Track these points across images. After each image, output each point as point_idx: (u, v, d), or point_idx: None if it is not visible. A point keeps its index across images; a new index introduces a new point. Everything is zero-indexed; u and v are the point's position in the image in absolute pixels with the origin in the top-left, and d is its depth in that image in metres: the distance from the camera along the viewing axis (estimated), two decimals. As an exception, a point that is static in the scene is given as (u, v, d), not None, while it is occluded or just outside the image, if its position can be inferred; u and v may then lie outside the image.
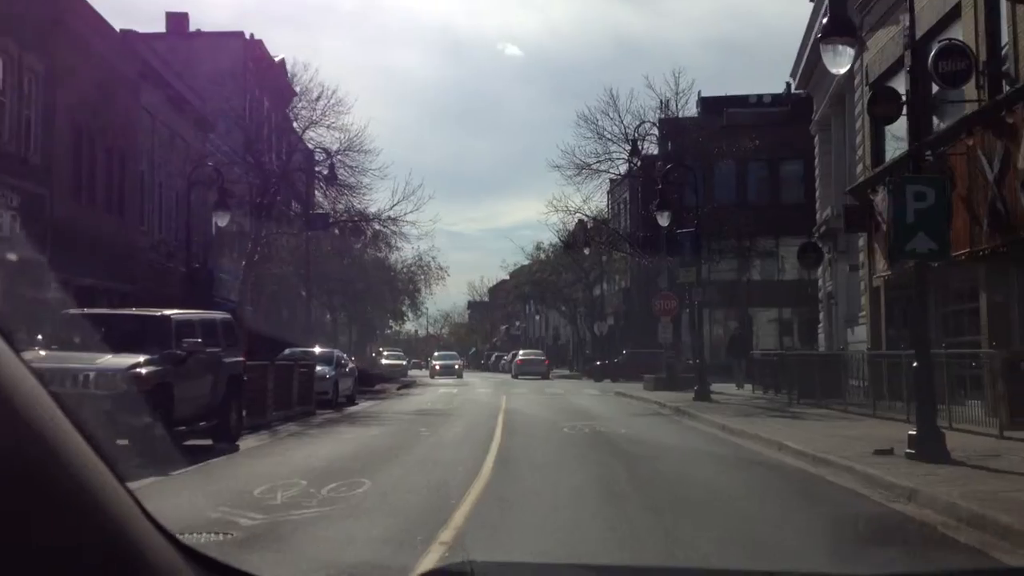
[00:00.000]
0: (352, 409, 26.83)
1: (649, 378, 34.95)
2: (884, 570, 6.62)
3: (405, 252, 53.03)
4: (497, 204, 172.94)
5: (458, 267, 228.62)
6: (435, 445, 15.59)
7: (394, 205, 35.87)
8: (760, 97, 61.48)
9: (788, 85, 63.59)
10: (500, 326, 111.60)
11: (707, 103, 47.49)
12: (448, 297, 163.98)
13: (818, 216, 35.67)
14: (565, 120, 66.53)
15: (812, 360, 25.29)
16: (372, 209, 37.69)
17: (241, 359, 16.72)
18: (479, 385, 45.72)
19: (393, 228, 38.52)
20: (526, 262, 74.18)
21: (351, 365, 30.33)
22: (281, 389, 22.25)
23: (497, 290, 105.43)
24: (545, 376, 55.18)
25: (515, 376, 56.11)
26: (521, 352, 63.67)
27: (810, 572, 6.11)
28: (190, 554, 1.49)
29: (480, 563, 2.05)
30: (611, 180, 47.78)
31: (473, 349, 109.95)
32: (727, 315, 51.64)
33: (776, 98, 60.17)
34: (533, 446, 15.32)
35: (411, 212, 36.41)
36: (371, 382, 37.59)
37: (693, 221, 27.53)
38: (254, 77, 44.38)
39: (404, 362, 65.34)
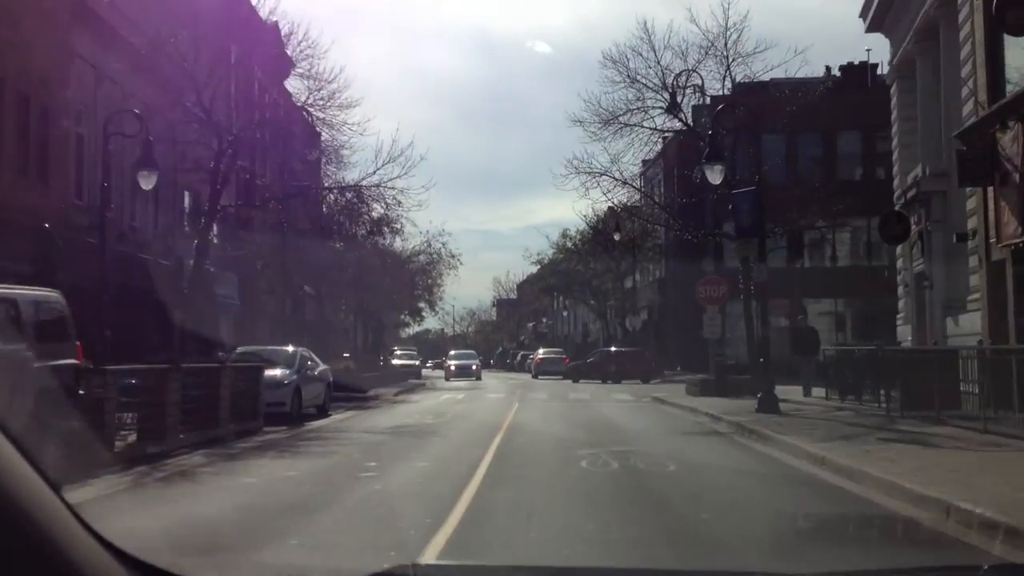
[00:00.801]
0: (314, 425, 20.84)
1: (694, 381, 28.85)
2: None
3: (410, 238, 47.39)
4: (531, 202, 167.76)
5: (492, 266, 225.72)
6: (362, 503, 9.50)
7: (378, 168, 29.46)
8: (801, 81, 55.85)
9: (827, 69, 57.91)
10: (527, 323, 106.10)
11: (742, 88, 40.62)
12: (474, 295, 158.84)
13: (896, 181, 29.44)
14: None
15: (924, 359, 18.84)
16: (353, 176, 31.60)
17: (73, 362, 10.80)
18: (493, 388, 39.76)
19: (387, 203, 32.36)
20: (551, 251, 68.16)
21: (321, 367, 24.27)
22: (200, 402, 16.37)
23: (524, 286, 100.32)
24: (566, 376, 50.42)
25: (535, 376, 52.26)
26: (540, 351, 59.25)
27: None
28: (126, 559, 1.47)
29: (422, 565, 2.07)
30: (643, 161, 41.58)
31: (500, 348, 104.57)
32: (773, 308, 45.22)
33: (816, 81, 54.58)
34: (525, 504, 9.25)
35: (399, 177, 29.83)
36: (362, 387, 31.52)
37: (754, 177, 21.12)
38: (232, 33, 38.62)
39: (417, 362, 60.33)
